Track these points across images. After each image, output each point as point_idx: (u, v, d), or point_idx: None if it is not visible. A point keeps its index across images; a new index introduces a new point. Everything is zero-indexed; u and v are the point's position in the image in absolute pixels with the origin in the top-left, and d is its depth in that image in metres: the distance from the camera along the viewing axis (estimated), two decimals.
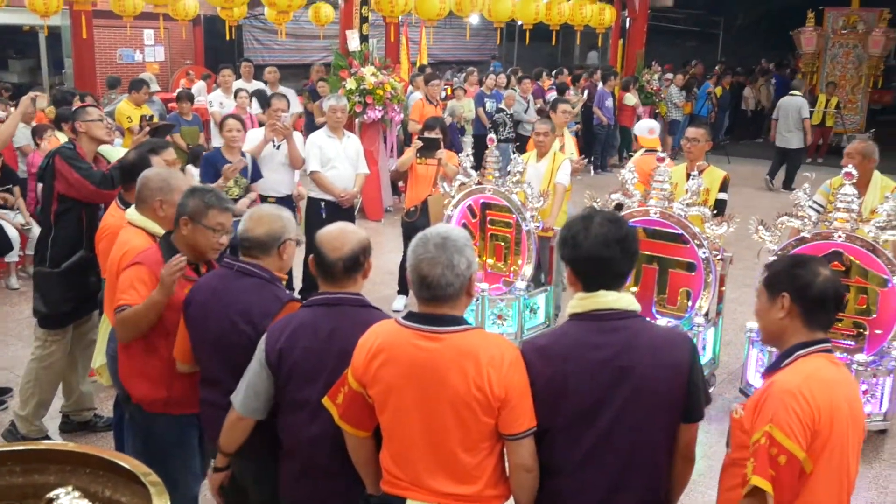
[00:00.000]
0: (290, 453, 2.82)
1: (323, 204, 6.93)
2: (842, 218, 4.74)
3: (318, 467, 2.75)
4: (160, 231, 3.60)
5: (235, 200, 5.93)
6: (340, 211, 6.93)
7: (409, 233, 6.76)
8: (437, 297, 2.44)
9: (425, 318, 2.47)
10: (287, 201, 6.97)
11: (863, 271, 4.63)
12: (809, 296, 2.45)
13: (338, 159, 6.95)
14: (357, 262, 2.74)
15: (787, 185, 13.05)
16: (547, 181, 6.54)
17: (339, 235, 2.76)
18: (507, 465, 2.54)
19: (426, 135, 6.80)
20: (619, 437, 2.42)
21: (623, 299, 2.48)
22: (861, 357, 4.69)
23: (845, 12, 17.05)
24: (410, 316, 2.51)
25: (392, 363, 2.44)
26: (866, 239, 4.60)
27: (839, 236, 4.72)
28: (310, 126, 11.39)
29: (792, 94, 13.71)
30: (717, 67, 18.82)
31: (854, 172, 4.82)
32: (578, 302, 2.50)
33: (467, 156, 6.52)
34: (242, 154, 6.34)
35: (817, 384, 2.33)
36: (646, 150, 7.17)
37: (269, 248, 3.01)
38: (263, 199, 6.72)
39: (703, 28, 27.38)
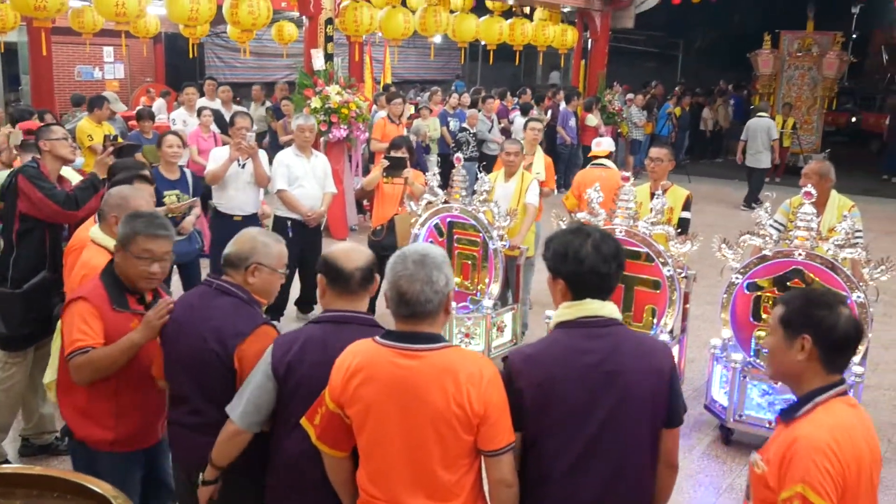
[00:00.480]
0: (282, 467, 2.79)
1: (289, 223, 6.90)
2: (801, 236, 4.83)
3: (310, 480, 2.72)
4: None
5: (177, 223, 5.87)
6: (307, 230, 6.94)
7: (376, 251, 6.71)
8: (415, 313, 2.44)
9: (403, 336, 2.47)
10: (252, 220, 6.93)
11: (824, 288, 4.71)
12: (833, 338, 2.31)
13: (305, 178, 6.93)
14: (371, 275, 2.78)
15: (749, 202, 13.26)
16: (516, 200, 6.58)
17: (351, 250, 2.81)
18: (485, 481, 2.54)
19: (392, 154, 6.81)
20: (607, 442, 2.46)
21: (607, 307, 2.55)
22: None
23: (800, 35, 17.46)
24: (388, 335, 2.51)
25: (371, 382, 2.44)
26: (825, 257, 4.69)
27: (799, 254, 4.81)
28: (273, 145, 11.34)
29: (760, 116, 14.05)
30: (676, 88, 19.12)
31: (813, 192, 4.92)
32: (565, 311, 2.56)
33: (434, 175, 6.54)
34: (181, 168, 6.26)
35: (843, 435, 2.24)
36: (592, 163, 7.54)
37: (237, 266, 2.98)
38: (221, 215, 6.66)
39: (662, 50, 27.88)
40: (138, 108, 11.87)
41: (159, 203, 5.60)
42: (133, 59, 18.19)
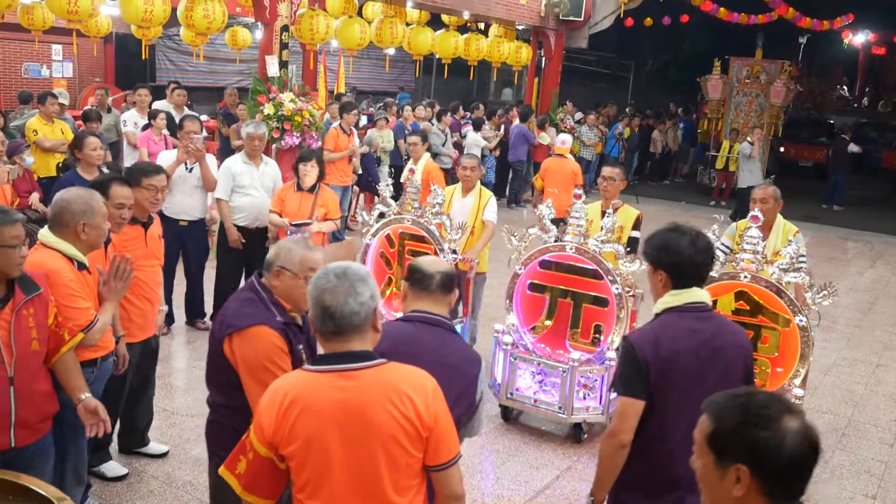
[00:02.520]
0: None
1: (238, 230, 6.86)
2: (748, 259, 4.90)
3: None
4: (77, 254, 3.57)
5: None
6: (254, 237, 6.88)
7: None
8: (341, 328, 2.33)
9: (336, 358, 2.35)
10: (199, 225, 6.86)
11: (770, 312, 4.79)
12: (777, 467, 1.76)
13: (252, 187, 6.88)
14: (451, 281, 3.05)
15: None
16: (473, 216, 6.59)
17: (434, 260, 3.16)
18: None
19: (301, 166, 6.63)
20: None
21: (706, 295, 3.04)
22: None
23: (749, 62, 17.85)
24: (319, 359, 2.40)
25: (308, 413, 2.29)
26: (770, 280, 4.77)
27: (745, 276, 4.89)
28: (224, 150, 11.19)
29: (749, 142, 14.78)
30: (627, 109, 19.40)
31: (761, 216, 4.99)
32: (672, 298, 2.99)
33: (387, 185, 6.51)
34: (100, 170, 6.05)
35: None
36: (556, 155, 10.20)
37: (267, 269, 3.13)
38: (167, 219, 6.41)
39: (614, 71, 28.31)
40: (85, 108, 11.68)
41: None
42: (82, 58, 17.81)
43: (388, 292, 6.40)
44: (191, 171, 6.68)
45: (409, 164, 7.17)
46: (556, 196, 8.18)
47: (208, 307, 7.15)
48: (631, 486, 2.98)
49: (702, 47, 23.73)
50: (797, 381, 4.76)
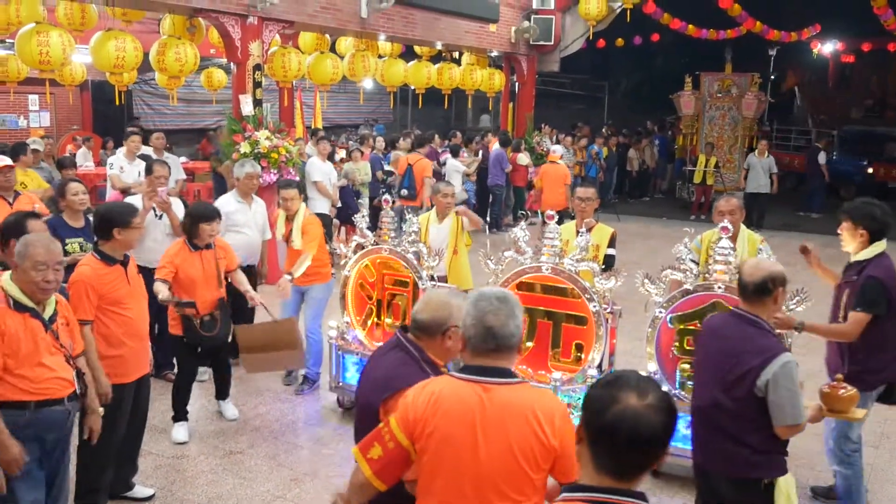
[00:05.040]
0: None
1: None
2: (720, 269, 4.97)
3: None
4: (17, 294, 3.70)
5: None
6: (246, 275, 6.59)
7: (203, 345, 5.93)
8: (500, 347, 2.58)
9: (482, 370, 2.59)
10: None
11: None
12: (598, 424, 1.94)
13: (247, 226, 6.96)
14: (766, 288, 3.61)
15: (759, 223, 15.08)
16: (454, 236, 6.73)
17: (755, 264, 3.73)
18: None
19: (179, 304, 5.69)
20: None
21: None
22: None
23: (720, 77, 18.10)
24: (466, 369, 2.63)
25: (450, 415, 2.54)
26: None
27: (719, 287, 4.95)
28: (219, 189, 11.19)
29: (760, 156, 15.70)
30: (604, 130, 19.58)
31: (730, 227, 5.08)
32: (876, 247, 4.70)
33: (363, 216, 6.52)
34: (86, 216, 6.01)
35: None
36: (550, 162, 13.30)
37: (433, 332, 3.00)
38: (139, 268, 6.09)
39: (588, 92, 28.58)
40: (61, 156, 11.71)
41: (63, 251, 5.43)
42: (59, 106, 17.89)
43: (369, 323, 6.43)
44: (160, 217, 6.65)
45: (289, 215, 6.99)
46: (551, 193, 13.06)
47: None
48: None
49: (674, 64, 24.02)
50: None
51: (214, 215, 5.80)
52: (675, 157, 20.36)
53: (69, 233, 5.92)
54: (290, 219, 6.72)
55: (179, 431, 5.84)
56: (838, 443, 4.77)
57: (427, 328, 3.00)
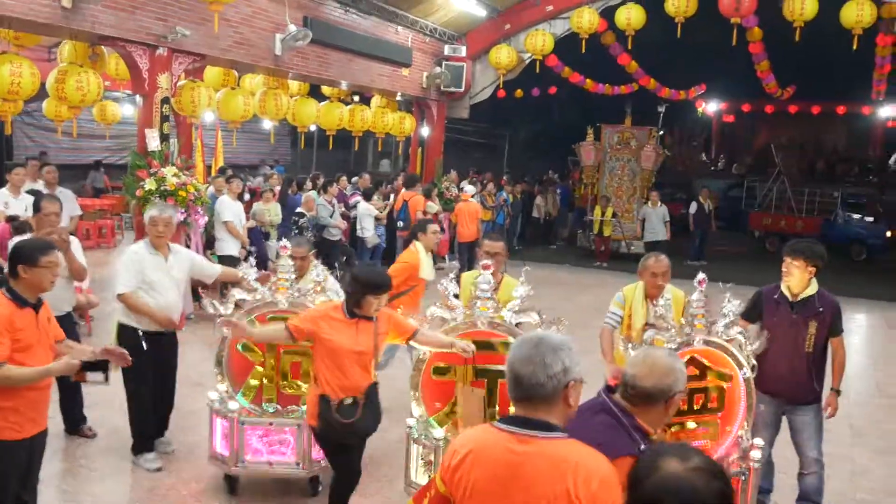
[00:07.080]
0: None
1: (141, 333, 5.56)
2: (699, 324, 4.75)
3: None
4: None
5: None
6: (164, 339, 5.74)
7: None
8: (527, 396, 2.41)
9: (519, 421, 2.43)
10: (67, 320, 5.79)
11: (717, 372, 4.70)
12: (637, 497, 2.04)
13: (161, 284, 5.60)
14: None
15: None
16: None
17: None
18: None
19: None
20: None
21: None
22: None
23: (619, 129, 18.53)
24: (505, 419, 2.50)
25: (479, 465, 2.44)
26: (720, 340, 4.67)
27: (699, 341, 4.72)
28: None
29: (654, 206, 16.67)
30: (504, 177, 19.68)
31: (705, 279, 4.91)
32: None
33: (252, 267, 5.56)
34: None
35: None
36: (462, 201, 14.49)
37: (656, 400, 2.76)
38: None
39: (489, 140, 28.92)
40: None
41: None
42: None
43: (257, 385, 5.55)
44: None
45: None
46: (464, 227, 14.35)
47: (86, 410, 6.34)
48: None
49: (571, 116, 24.47)
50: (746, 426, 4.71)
51: (385, 286, 4.61)
52: (575, 206, 20.66)
53: None
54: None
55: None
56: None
57: (651, 396, 2.76)
